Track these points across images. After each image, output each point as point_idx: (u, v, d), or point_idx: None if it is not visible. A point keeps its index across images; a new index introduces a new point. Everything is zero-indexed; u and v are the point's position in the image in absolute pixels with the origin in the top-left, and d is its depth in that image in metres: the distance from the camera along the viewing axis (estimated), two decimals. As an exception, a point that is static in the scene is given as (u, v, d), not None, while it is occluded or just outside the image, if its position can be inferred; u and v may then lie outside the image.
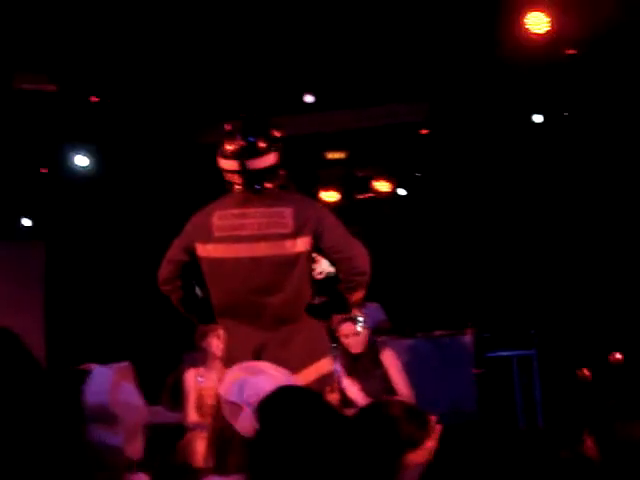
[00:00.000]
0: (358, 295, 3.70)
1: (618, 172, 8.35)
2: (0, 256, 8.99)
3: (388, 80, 7.90)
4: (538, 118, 8.02)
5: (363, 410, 2.78)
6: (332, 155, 9.37)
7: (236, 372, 2.61)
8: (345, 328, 5.27)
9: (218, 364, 4.98)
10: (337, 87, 8.04)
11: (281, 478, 1.78)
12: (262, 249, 3.52)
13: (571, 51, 7.01)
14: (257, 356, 3.45)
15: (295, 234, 3.53)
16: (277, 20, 6.89)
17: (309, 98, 8.20)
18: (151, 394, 6.90)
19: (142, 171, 8.50)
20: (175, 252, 3.79)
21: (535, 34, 6.57)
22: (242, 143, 3.64)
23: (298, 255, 3.54)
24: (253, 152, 3.62)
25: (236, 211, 3.61)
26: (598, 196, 8.53)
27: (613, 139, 8.14)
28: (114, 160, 8.38)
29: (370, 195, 9.90)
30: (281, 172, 3.72)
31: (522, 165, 8.77)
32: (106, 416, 2.03)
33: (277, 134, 3.74)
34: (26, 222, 9.18)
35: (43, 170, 8.57)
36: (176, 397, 5.55)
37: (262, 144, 3.65)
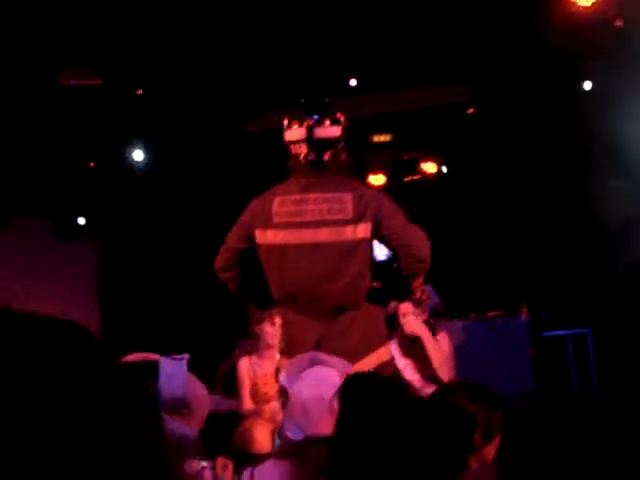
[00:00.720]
0: (418, 282, 3.77)
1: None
2: (55, 255, 9.08)
3: (432, 62, 7.83)
4: (587, 85, 7.86)
5: (429, 399, 2.75)
6: (378, 138, 9.33)
7: (297, 364, 2.59)
8: (404, 307, 5.27)
9: (272, 352, 4.98)
10: (381, 70, 7.99)
11: (364, 463, 1.77)
12: (324, 235, 3.51)
13: (619, 23, 6.87)
14: (317, 345, 3.43)
15: (356, 220, 3.51)
16: (321, 4, 6.86)
17: (353, 82, 8.17)
18: (204, 381, 6.98)
19: (191, 163, 8.54)
20: (233, 240, 3.77)
21: (582, 7, 6.46)
22: (308, 119, 3.69)
23: (360, 241, 3.53)
24: (319, 123, 3.67)
25: (296, 197, 3.60)
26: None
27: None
28: (164, 153, 8.43)
29: (417, 177, 9.85)
30: (344, 151, 3.73)
31: (571, 141, 8.64)
32: (181, 408, 2.03)
33: (339, 114, 3.76)
34: (80, 220, 9.27)
35: (92, 164, 8.65)
36: (230, 384, 5.57)
37: (326, 119, 3.69)
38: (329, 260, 3.53)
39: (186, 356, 2.17)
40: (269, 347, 5.01)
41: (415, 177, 9.85)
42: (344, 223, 3.51)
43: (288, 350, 3.68)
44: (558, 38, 6.98)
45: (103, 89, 7.14)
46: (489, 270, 9.10)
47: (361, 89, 8.32)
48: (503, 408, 2.69)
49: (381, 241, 3.65)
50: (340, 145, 3.71)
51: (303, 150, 3.64)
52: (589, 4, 6.47)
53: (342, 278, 3.53)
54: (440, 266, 9.09)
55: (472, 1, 6.95)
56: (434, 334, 5.30)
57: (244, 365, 5.15)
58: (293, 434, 2.43)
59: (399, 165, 9.80)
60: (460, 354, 5.40)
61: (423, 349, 5.24)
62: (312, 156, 3.62)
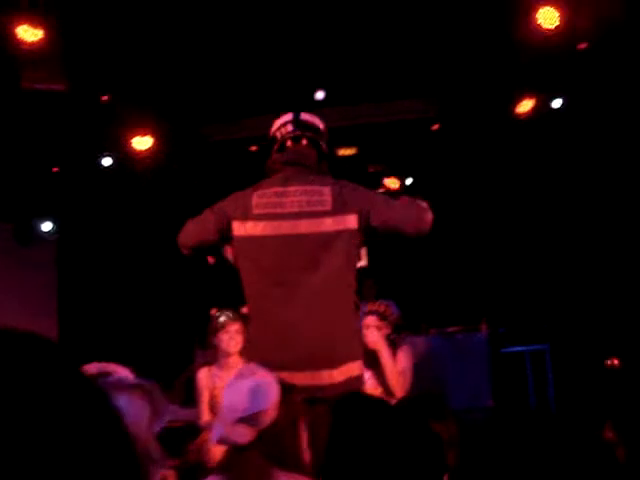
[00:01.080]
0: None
1: (630, 168, 8.31)
2: (14, 260, 8.99)
3: (399, 76, 7.89)
4: (556, 103, 7.95)
5: (399, 407, 2.78)
6: (343, 151, 9.36)
7: (236, 375, 2.64)
8: (368, 320, 5.31)
9: (231, 361, 4.97)
10: (348, 83, 8.03)
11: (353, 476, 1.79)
12: (303, 227, 3.47)
13: (582, 45, 6.98)
14: (286, 342, 3.38)
15: (335, 212, 3.49)
16: (289, 16, 6.88)
17: (320, 94, 8.20)
18: (164, 390, 6.93)
19: (151, 168, 8.50)
20: (208, 232, 3.68)
21: (546, 29, 6.55)
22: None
23: (339, 233, 3.48)
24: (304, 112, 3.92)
25: (277, 189, 3.57)
26: (612, 190, 8.50)
27: (626, 133, 8.10)
28: (122, 160, 8.37)
29: (381, 190, 9.88)
30: (324, 152, 3.82)
31: (535, 159, 8.74)
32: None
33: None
34: (45, 226, 9.18)
35: (55, 169, 8.58)
36: (189, 395, 5.55)
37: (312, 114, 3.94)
38: (308, 251, 3.45)
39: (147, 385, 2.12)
40: (228, 356, 5.00)
41: (379, 191, 9.88)
42: (323, 215, 3.48)
43: (252, 349, 3.64)
44: (523, 58, 7.07)
45: (69, 94, 7.09)
46: (450, 285, 9.16)
47: (327, 102, 8.36)
48: (458, 422, 2.72)
49: (373, 233, 3.59)
50: (322, 141, 3.82)
51: (289, 128, 3.80)
52: (553, 27, 6.56)
53: (321, 269, 3.44)
54: (401, 280, 9.16)
55: (440, 19, 7.02)
56: (395, 348, 5.34)
57: (203, 376, 5.13)
58: (213, 436, 2.53)
59: (363, 179, 9.83)
60: (420, 368, 5.44)
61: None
62: (296, 135, 3.77)
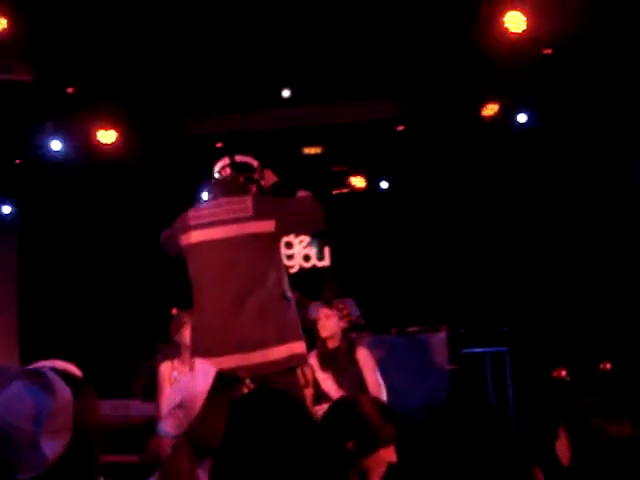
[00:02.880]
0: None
1: (593, 173, 8.43)
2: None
3: (365, 76, 7.92)
4: (522, 118, 8.05)
5: (333, 406, 2.82)
6: (309, 150, 9.37)
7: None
8: (321, 311, 5.36)
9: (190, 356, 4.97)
10: (315, 82, 8.05)
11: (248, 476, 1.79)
12: (232, 231, 4.04)
13: (548, 51, 7.06)
14: (225, 333, 3.92)
15: (256, 217, 4.05)
16: (255, 15, 6.88)
17: (286, 92, 8.21)
18: (125, 384, 6.88)
19: (123, 162, 8.44)
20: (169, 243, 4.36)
21: (513, 33, 6.61)
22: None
23: (261, 235, 4.04)
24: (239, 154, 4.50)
25: (209, 204, 4.25)
26: (571, 193, 8.61)
27: (589, 138, 8.21)
28: (95, 150, 8.30)
29: (345, 190, 9.91)
30: (258, 185, 4.41)
31: (498, 164, 8.82)
32: None
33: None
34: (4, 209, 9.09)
35: (17, 161, 8.49)
36: (150, 388, 5.53)
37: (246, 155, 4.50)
38: (234, 251, 4.03)
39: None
40: (188, 351, 4.99)
41: (343, 190, 9.91)
42: (247, 219, 4.05)
43: (195, 347, 4.11)
44: (490, 60, 7.13)
45: (34, 84, 7.03)
46: (411, 285, 9.21)
47: (294, 100, 8.37)
48: (397, 424, 2.75)
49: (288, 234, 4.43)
50: (256, 176, 4.40)
51: (226, 172, 4.36)
52: (520, 31, 6.63)
53: (244, 264, 4.02)
54: (362, 279, 9.19)
55: (407, 20, 7.06)
56: (355, 347, 5.37)
57: (165, 370, 5.13)
58: (160, 431, 2.63)
59: (328, 178, 9.85)
60: (380, 367, 5.46)
61: (342, 363, 5.30)
62: (231, 173, 4.34)
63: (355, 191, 9.74)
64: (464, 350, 8.60)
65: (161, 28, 6.95)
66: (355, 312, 6.07)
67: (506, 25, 6.58)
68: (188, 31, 7.04)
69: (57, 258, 9.17)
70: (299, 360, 4.08)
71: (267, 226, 4.06)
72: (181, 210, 4.39)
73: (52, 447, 1.83)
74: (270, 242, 4.10)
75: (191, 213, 4.21)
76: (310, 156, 9.39)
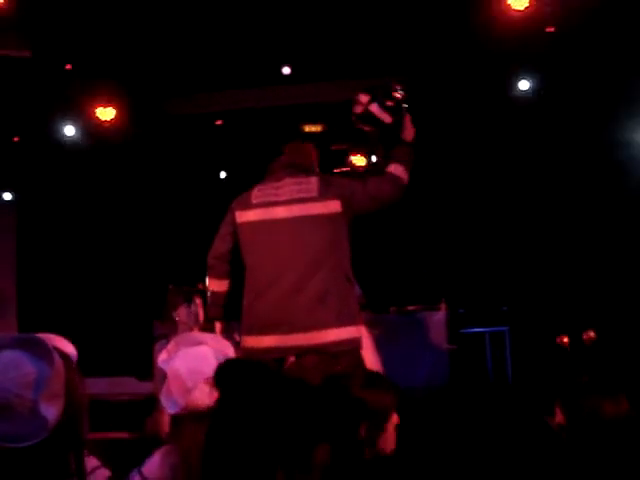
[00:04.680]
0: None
1: (589, 151, 8.38)
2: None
3: (366, 53, 7.86)
4: (524, 85, 7.97)
5: (323, 384, 2.81)
6: (309, 128, 9.34)
7: (179, 343, 2.63)
8: None
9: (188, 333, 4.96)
10: (315, 59, 7.99)
11: (239, 449, 1.77)
12: (296, 211, 4.01)
13: (550, 28, 7.00)
14: (284, 313, 3.89)
15: (321, 197, 4.01)
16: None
17: (286, 70, 8.16)
18: (121, 364, 6.90)
19: (113, 139, 8.41)
20: (221, 240, 4.24)
21: (515, 10, 6.56)
22: None
23: (327, 216, 4.01)
24: None
25: (273, 184, 4.13)
26: (571, 173, 8.57)
27: (590, 116, 8.16)
28: (89, 129, 8.28)
29: (346, 169, 9.88)
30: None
31: (498, 142, 8.78)
32: None
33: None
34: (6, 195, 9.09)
35: (16, 139, 8.46)
36: (146, 368, 5.55)
37: None
38: (299, 232, 4.00)
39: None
40: (187, 329, 5.00)
41: (344, 169, 9.87)
42: (312, 200, 4.01)
43: (247, 314, 4.07)
44: (493, 39, 7.08)
45: (32, 61, 6.99)
46: (412, 265, 9.20)
47: (294, 78, 8.32)
48: (400, 398, 2.75)
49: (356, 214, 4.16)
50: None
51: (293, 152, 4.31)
52: (522, 8, 6.58)
53: (306, 245, 3.98)
54: (363, 259, 9.15)
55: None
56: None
57: (160, 348, 5.12)
58: (170, 407, 2.50)
59: (329, 156, 9.81)
60: (379, 346, 5.46)
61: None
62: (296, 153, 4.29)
63: (355, 169, 9.71)
64: (463, 330, 8.61)
65: (160, 4, 6.90)
66: (356, 291, 6.06)
67: (509, 2, 6.54)
68: (188, 8, 6.98)
69: (54, 234, 9.16)
70: (358, 343, 4.08)
71: (332, 207, 4.04)
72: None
73: (51, 412, 1.83)
74: (334, 223, 4.06)
75: (254, 192, 4.15)
76: (310, 134, 9.36)
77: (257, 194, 4.13)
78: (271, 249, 4.03)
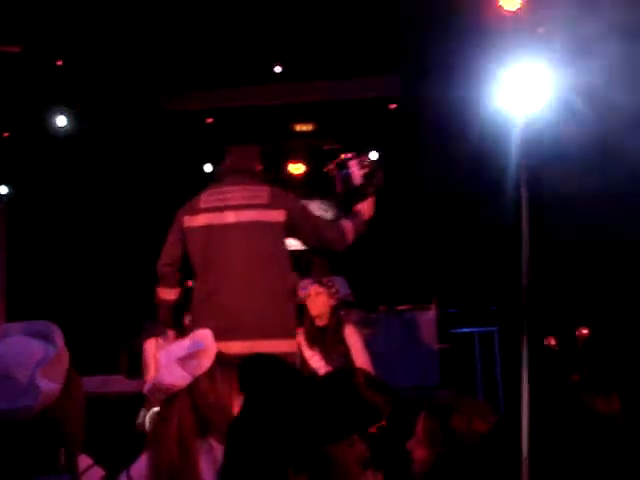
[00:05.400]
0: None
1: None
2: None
3: (358, 53, 7.86)
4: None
5: (329, 375, 2.82)
6: (300, 127, 9.33)
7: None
8: (312, 288, 5.36)
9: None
10: (307, 58, 7.99)
11: (260, 441, 1.77)
12: (245, 216, 4.08)
13: (541, 30, 7.01)
14: (221, 315, 3.93)
15: (271, 206, 4.10)
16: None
17: (278, 68, 8.15)
18: (111, 361, 6.86)
19: (106, 135, 8.39)
20: (170, 247, 4.30)
21: (507, 11, 6.56)
22: None
23: (275, 224, 4.09)
24: None
25: (221, 189, 4.21)
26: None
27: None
28: (82, 122, 8.24)
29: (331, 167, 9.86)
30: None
31: (486, 142, 8.78)
32: None
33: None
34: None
35: (5, 134, 8.43)
36: (134, 366, 5.52)
37: None
38: (248, 237, 4.07)
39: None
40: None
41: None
42: (262, 207, 4.09)
43: (196, 317, 4.15)
44: (484, 39, 7.08)
45: (22, 56, 6.96)
46: (401, 264, 9.20)
47: (286, 76, 8.31)
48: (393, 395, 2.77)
49: (293, 235, 4.23)
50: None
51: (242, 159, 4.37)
52: (514, 9, 6.58)
53: (259, 252, 4.06)
54: (353, 258, 9.15)
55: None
56: (343, 325, 5.36)
57: (150, 347, 5.12)
58: (147, 388, 2.57)
59: (320, 155, 9.81)
60: (368, 345, 5.46)
61: (330, 342, 5.29)
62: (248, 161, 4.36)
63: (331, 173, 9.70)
64: (453, 330, 8.61)
65: (153, 4, 6.88)
66: (345, 290, 6.06)
67: (500, 3, 6.54)
68: (179, 5, 6.96)
69: (45, 231, 9.13)
70: (293, 359, 4.12)
71: (278, 216, 4.11)
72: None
73: (48, 385, 1.86)
74: (279, 231, 4.13)
75: (202, 197, 4.22)
76: (301, 133, 9.35)
77: (205, 199, 4.19)
78: (220, 253, 4.09)
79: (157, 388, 2.50)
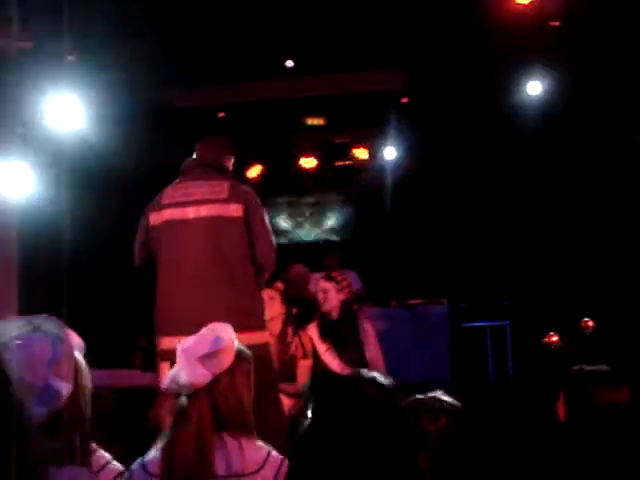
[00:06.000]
0: (260, 278, 4.22)
1: (595, 147, 8.36)
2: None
3: (369, 47, 7.85)
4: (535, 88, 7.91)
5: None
6: (311, 121, 9.33)
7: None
8: (320, 285, 5.36)
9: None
10: (318, 52, 7.98)
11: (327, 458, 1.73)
12: (204, 211, 4.08)
13: (555, 23, 6.98)
14: (192, 313, 3.81)
15: (230, 200, 4.09)
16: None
17: (289, 63, 8.15)
18: (123, 356, 6.89)
19: (118, 133, 8.39)
20: (141, 237, 4.27)
21: (520, 4, 6.54)
22: None
23: (235, 218, 4.07)
24: None
25: (183, 184, 4.22)
26: (571, 167, 8.55)
27: (595, 113, 8.14)
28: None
29: (348, 162, 9.88)
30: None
31: (500, 137, 8.77)
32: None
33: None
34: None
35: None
36: (148, 361, 5.54)
37: None
38: (208, 232, 4.06)
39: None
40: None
41: (346, 162, 9.88)
42: (221, 202, 4.09)
43: (165, 322, 4.09)
44: (496, 32, 7.06)
45: (34, 52, 6.97)
46: (414, 259, 9.19)
47: (297, 71, 8.30)
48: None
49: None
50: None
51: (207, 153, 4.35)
52: (527, 2, 6.55)
53: (219, 249, 4.04)
54: (365, 252, 9.16)
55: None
56: (357, 320, 5.37)
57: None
58: (166, 384, 2.53)
59: (331, 149, 9.81)
60: (380, 339, 5.46)
61: (344, 336, 5.30)
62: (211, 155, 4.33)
63: (358, 163, 9.70)
64: (465, 324, 8.60)
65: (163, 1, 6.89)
66: (357, 285, 6.07)
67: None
68: (191, 1, 6.97)
69: (57, 228, 9.15)
70: (266, 349, 4.06)
71: (237, 210, 4.09)
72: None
73: (62, 386, 1.91)
74: (239, 225, 4.10)
75: (165, 192, 4.21)
76: (313, 127, 9.35)
77: (168, 194, 4.19)
78: (181, 249, 4.07)
79: (176, 386, 2.49)
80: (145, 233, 4.22)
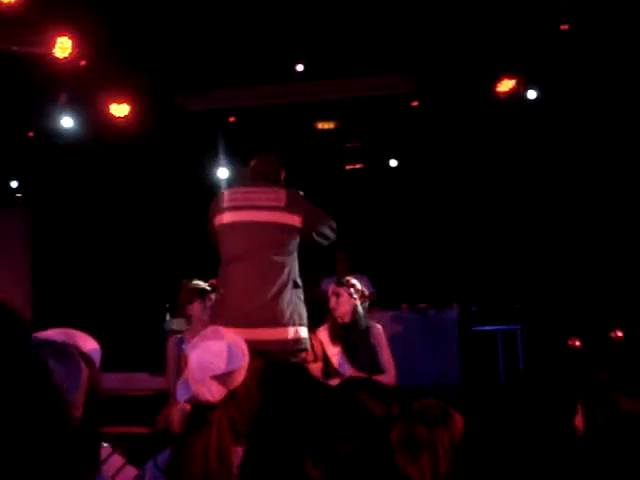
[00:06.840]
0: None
1: (605, 150, 8.35)
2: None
3: (380, 50, 7.85)
4: (532, 94, 7.94)
5: (337, 387, 2.81)
6: (322, 125, 9.33)
7: (202, 335, 2.66)
8: (332, 289, 5.38)
9: (201, 329, 4.97)
10: (329, 56, 7.99)
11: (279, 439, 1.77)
12: (264, 216, 4.48)
13: (564, 26, 6.97)
14: (242, 309, 4.32)
15: (287, 209, 4.49)
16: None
17: (300, 67, 8.16)
18: (133, 358, 6.91)
19: (129, 136, 8.43)
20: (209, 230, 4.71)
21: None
22: None
23: (290, 226, 4.49)
24: None
25: (243, 189, 4.62)
26: (583, 170, 8.54)
27: (603, 115, 8.13)
28: (101, 124, 8.29)
29: (359, 166, 9.89)
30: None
31: (511, 139, 8.76)
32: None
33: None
34: (13, 185, 9.12)
35: (30, 134, 8.49)
36: (159, 363, 5.56)
37: None
38: (266, 234, 4.45)
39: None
40: (201, 325, 5.00)
41: (357, 166, 9.89)
42: (280, 209, 4.49)
43: (221, 310, 4.48)
44: (503, 33, 7.05)
45: (48, 58, 7.00)
46: (425, 262, 9.19)
47: (308, 75, 8.31)
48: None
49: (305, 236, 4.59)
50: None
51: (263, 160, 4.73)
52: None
53: (269, 249, 4.43)
54: (376, 256, 9.16)
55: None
56: (369, 323, 5.38)
57: (172, 344, 5.15)
58: (180, 395, 2.53)
59: (342, 153, 9.82)
60: (390, 343, 5.46)
61: (355, 339, 5.30)
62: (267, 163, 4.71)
63: (368, 166, 9.70)
64: (476, 328, 8.59)
65: (174, 4, 6.90)
66: (369, 289, 6.07)
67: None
68: (202, 4, 6.99)
69: (70, 229, 9.19)
70: (305, 343, 4.50)
71: (294, 220, 4.50)
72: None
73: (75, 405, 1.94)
74: (294, 233, 4.51)
75: (226, 196, 4.61)
76: (324, 131, 9.36)
77: (229, 198, 4.60)
78: (239, 249, 4.49)
79: (193, 401, 2.49)
80: (212, 230, 4.66)
